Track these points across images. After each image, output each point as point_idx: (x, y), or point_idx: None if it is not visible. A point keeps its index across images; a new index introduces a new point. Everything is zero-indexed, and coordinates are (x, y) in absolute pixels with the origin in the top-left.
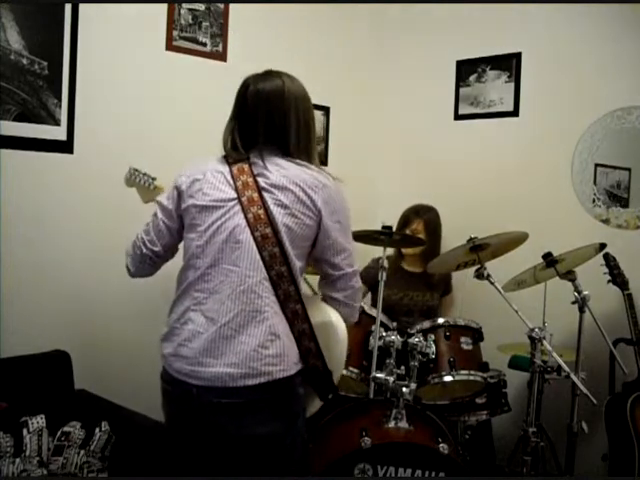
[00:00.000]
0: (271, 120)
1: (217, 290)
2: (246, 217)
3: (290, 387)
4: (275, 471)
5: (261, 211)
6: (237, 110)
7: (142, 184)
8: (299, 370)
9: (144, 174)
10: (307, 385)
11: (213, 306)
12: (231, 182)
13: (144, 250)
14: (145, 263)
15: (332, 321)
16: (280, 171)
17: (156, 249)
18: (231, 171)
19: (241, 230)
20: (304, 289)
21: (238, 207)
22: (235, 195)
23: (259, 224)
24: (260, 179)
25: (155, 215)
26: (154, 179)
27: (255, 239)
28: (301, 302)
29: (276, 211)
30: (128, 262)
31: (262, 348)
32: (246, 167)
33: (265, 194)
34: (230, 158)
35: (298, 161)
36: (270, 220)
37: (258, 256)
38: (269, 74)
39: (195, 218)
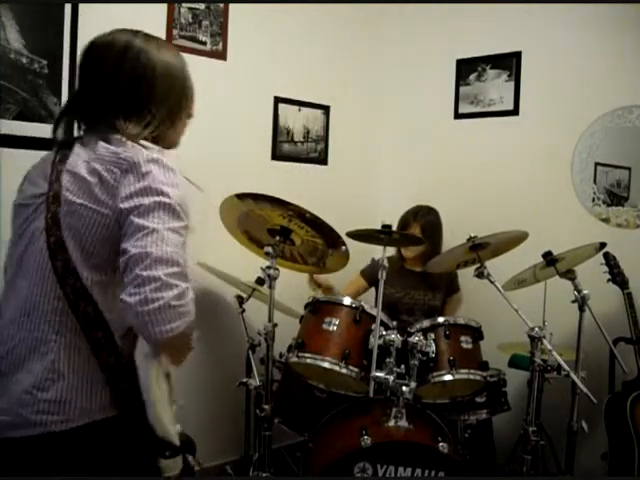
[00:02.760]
0: (98, 80)
1: (4, 311)
2: (46, 218)
3: (79, 444)
4: None
5: (58, 209)
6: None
7: None
8: (107, 418)
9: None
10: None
11: (6, 330)
12: (48, 171)
13: None
14: None
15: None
16: (82, 152)
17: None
18: (54, 160)
19: (38, 235)
20: None
21: (44, 205)
22: (46, 189)
23: (54, 227)
24: (65, 166)
25: None
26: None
27: (49, 246)
28: (102, 328)
29: (62, 210)
30: None
31: (37, 390)
32: (67, 152)
33: (62, 187)
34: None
35: (115, 137)
36: (59, 222)
37: (50, 267)
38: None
39: (13, 219)
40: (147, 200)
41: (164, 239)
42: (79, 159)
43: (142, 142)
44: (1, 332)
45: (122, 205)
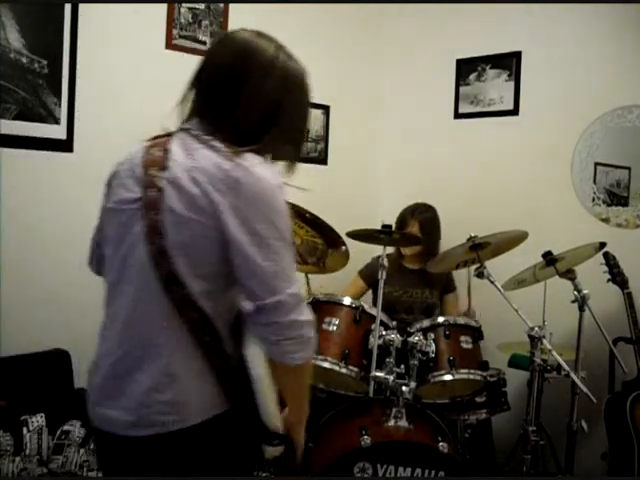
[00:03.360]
0: (219, 85)
1: (118, 314)
2: (145, 225)
3: (195, 440)
4: None
5: (158, 217)
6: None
7: None
8: (218, 415)
9: None
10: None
11: (113, 334)
12: (140, 176)
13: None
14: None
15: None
16: (185, 161)
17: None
18: (144, 161)
19: (138, 241)
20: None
21: (141, 211)
22: (140, 195)
23: (155, 236)
24: (166, 173)
25: None
26: None
27: (151, 254)
28: (209, 332)
29: (168, 220)
30: None
31: (155, 392)
32: (160, 154)
33: (164, 195)
34: (153, 141)
35: (220, 146)
36: (163, 232)
37: (154, 275)
38: (254, 32)
39: (105, 222)
40: (262, 233)
41: (290, 280)
42: (179, 167)
43: (247, 154)
44: (116, 336)
45: (235, 232)
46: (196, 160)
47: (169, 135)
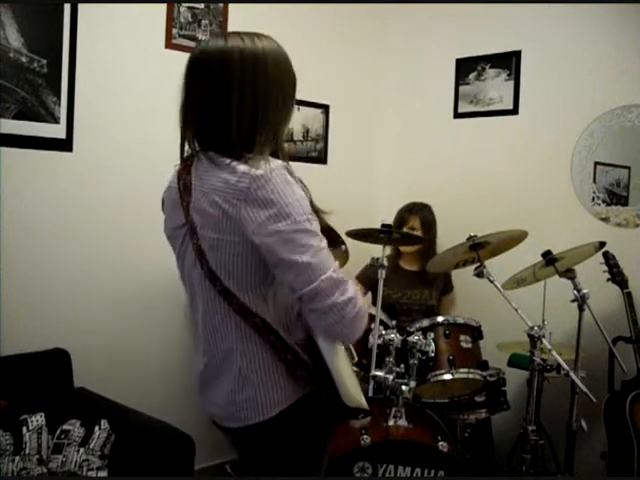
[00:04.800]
0: (209, 99)
1: (198, 325)
2: (192, 249)
3: (276, 428)
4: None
5: (198, 242)
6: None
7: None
8: (295, 402)
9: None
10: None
11: (199, 342)
12: (179, 203)
13: None
14: None
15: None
16: (202, 185)
17: None
18: (179, 188)
19: (193, 263)
20: None
21: (189, 234)
22: (185, 220)
23: (202, 258)
24: (192, 199)
25: None
26: None
27: (205, 273)
28: (273, 332)
29: (204, 244)
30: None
31: (234, 393)
32: (188, 180)
33: (195, 222)
34: (180, 166)
35: (223, 160)
36: (205, 254)
37: (214, 291)
38: (223, 35)
39: (171, 246)
40: (282, 230)
41: (321, 267)
42: (198, 193)
43: (249, 161)
44: (201, 346)
45: (254, 235)
46: (207, 181)
47: (192, 157)
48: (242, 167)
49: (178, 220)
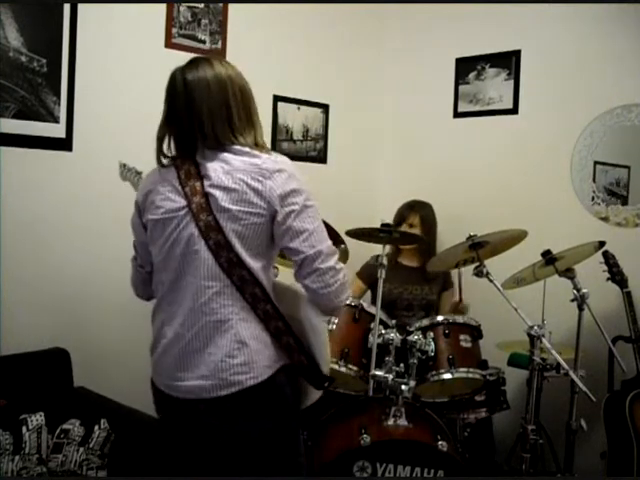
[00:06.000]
0: (206, 111)
1: (183, 303)
2: (198, 225)
3: (266, 391)
4: (268, 470)
5: (210, 217)
6: (169, 108)
7: (131, 179)
8: (279, 369)
9: (131, 169)
10: (300, 378)
11: (180, 320)
12: (179, 189)
13: (142, 273)
14: (147, 284)
15: (304, 314)
16: (223, 167)
17: (148, 269)
18: (179, 176)
19: (195, 240)
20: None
21: (190, 215)
22: (185, 203)
23: (211, 232)
24: (206, 182)
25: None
26: (140, 173)
27: (210, 248)
28: (270, 301)
29: (221, 217)
30: (132, 286)
31: (229, 358)
32: (193, 169)
33: (211, 199)
34: (177, 161)
35: (241, 149)
36: (219, 227)
37: (216, 264)
38: (194, 62)
39: (153, 232)
40: (296, 204)
41: (322, 237)
42: (217, 173)
43: (264, 152)
44: (182, 322)
45: (277, 208)
46: (231, 164)
47: (183, 156)
48: (262, 154)
49: (177, 203)
